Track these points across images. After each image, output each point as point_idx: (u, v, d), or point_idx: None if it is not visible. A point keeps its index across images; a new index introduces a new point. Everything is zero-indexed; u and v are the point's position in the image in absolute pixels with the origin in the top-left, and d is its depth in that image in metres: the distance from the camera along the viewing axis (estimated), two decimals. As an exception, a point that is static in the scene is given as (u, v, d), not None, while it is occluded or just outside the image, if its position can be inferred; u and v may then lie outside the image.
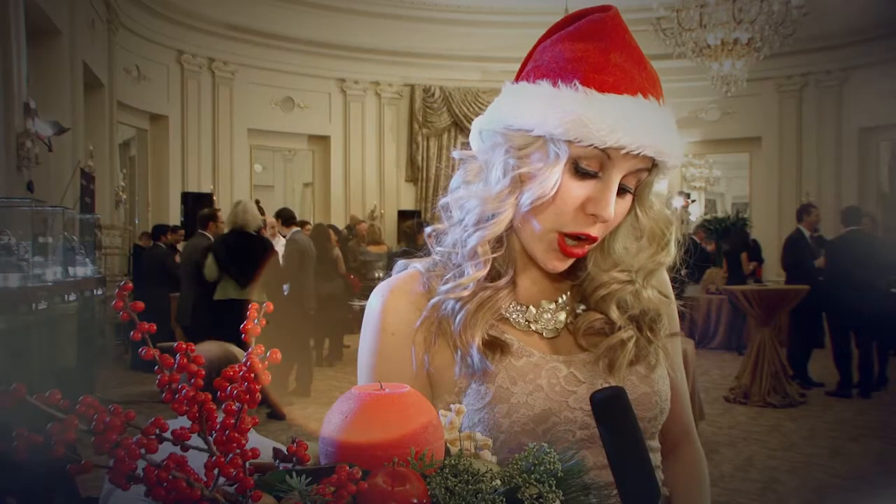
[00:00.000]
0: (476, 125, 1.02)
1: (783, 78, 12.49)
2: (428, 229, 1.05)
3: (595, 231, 0.94)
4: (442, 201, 1.04)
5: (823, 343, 8.20)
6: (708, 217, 13.71)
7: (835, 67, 12.08)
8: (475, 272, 0.97)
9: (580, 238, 0.94)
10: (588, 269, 1.01)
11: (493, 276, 0.99)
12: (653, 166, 0.95)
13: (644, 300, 1.01)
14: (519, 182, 0.95)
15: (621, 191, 0.94)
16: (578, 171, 0.92)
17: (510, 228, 0.98)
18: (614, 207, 0.92)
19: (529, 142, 0.93)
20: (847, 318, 6.98)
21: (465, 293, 0.97)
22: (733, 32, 9.13)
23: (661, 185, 1.03)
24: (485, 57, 12.65)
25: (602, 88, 0.91)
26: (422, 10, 12.80)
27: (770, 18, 9.05)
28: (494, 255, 0.98)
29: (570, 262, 0.97)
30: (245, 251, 6.12)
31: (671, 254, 1.02)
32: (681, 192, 13.39)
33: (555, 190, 0.91)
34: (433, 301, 0.99)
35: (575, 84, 0.91)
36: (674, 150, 0.94)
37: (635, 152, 0.90)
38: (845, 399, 6.82)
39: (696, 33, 9.38)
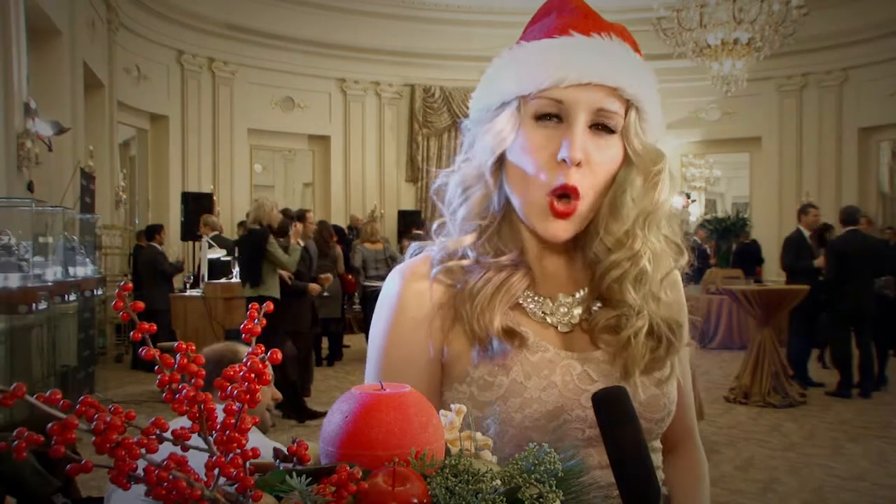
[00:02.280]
0: (464, 125, 1.06)
1: (783, 78, 12.50)
2: (435, 225, 1.06)
3: (573, 179, 0.92)
4: (434, 186, 1.05)
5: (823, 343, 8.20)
6: (708, 217, 13.72)
7: (835, 67, 12.08)
8: (463, 237, 0.99)
9: (566, 196, 0.92)
10: (600, 234, 0.97)
11: (496, 252, 0.99)
12: (629, 106, 0.95)
13: (657, 260, 0.99)
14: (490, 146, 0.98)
15: (600, 132, 0.94)
16: (539, 119, 0.94)
17: (509, 202, 0.99)
18: (582, 147, 0.91)
19: (494, 114, 0.98)
20: (847, 318, 6.98)
21: (465, 262, 0.98)
22: (733, 32, 9.13)
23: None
24: (485, 57, 12.40)
25: (532, 38, 0.97)
26: (422, 10, 12.81)
27: (770, 18, 9.05)
28: (484, 223, 0.99)
29: (568, 225, 0.95)
30: (247, 248, 6.14)
31: (664, 191, 0.99)
32: (681, 192, 13.39)
33: (512, 135, 0.95)
34: (435, 272, 0.99)
35: (510, 47, 0.99)
36: (630, 77, 0.94)
37: (575, 82, 0.91)
38: (845, 399, 6.82)
39: (697, 33, 9.38)
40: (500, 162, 0.97)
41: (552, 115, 0.93)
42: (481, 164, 0.98)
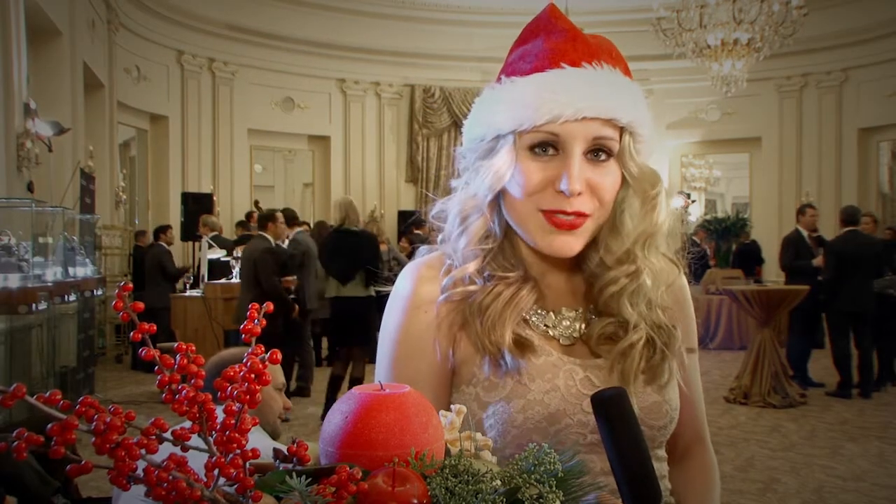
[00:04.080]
0: (459, 152, 1.06)
1: (783, 78, 12.50)
2: (440, 238, 1.07)
3: (574, 205, 0.93)
4: (432, 213, 1.07)
5: (823, 343, 8.20)
6: (708, 217, 13.71)
7: (835, 67, 12.08)
8: (467, 264, 1.00)
9: (563, 214, 0.93)
10: (600, 253, 0.99)
11: (503, 270, 1.00)
12: (623, 131, 0.96)
13: (656, 277, 1.00)
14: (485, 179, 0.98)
15: (596, 158, 0.95)
16: (536, 152, 0.94)
17: (509, 227, 1.00)
18: (580, 178, 0.92)
19: (489, 147, 0.98)
20: (846, 318, 6.98)
21: (472, 288, 0.99)
22: (733, 33, 9.13)
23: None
24: (485, 57, 12.66)
25: (524, 73, 0.96)
26: (422, 10, 12.81)
27: (770, 19, 9.05)
28: (486, 247, 1.00)
29: (575, 240, 0.96)
30: (344, 248, 6.15)
31: (662, 212, 1.01)
32: (681, 192, 13.39)
33: (509, 172, 0.95)
34: (441, 298, 1.00)
35: (501, 79, 0.98)
36: (624, 105, 0.94)
37: (572, 118, 0.91)
38: (845, 399, 6.82)
39: (697, 34, 9.38)
40: (499, 192, 0.99)
41: (548, 145, 0.94)
42: (480, 201, 0.99)
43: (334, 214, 6.34)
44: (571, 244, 0.96)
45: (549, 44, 0.98)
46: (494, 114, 0.97)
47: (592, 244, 0.99)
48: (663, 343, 1.00)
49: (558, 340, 1.00)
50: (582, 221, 0.94)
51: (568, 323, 1.02)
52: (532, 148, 0.94)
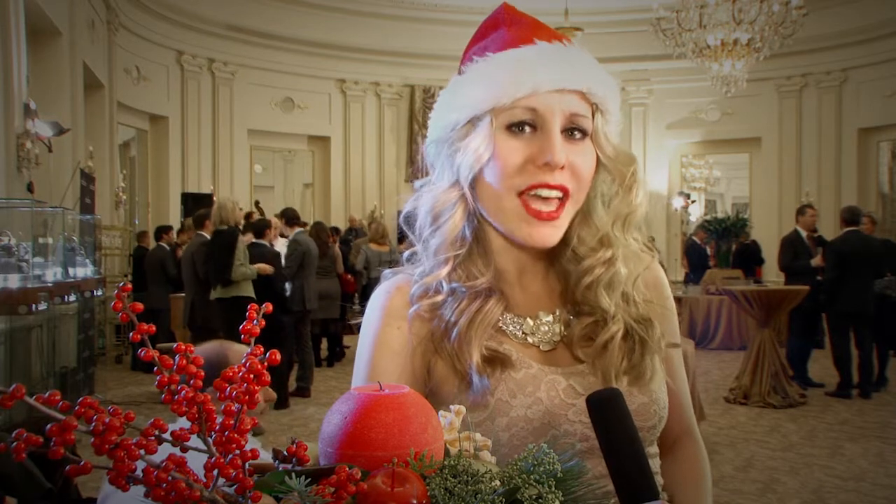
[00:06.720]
0: (425, 146, 1.04)
1: (783, 78, 12.50)
2: (406, 255, 1.05)
3: (557, 179, 0.91)
4: (401, 217, 1.03)
5: (823, 343, 8.19)
6: (708, 217, 13.71)
7: (835, 67, 12.09)
8: (438, 270, 0.97)
9: (544, 196, 0.92)
10: (572, 245, 0.98)
11: (469, 276, 0.98)
12: (595, 110, 0.95)
13: (631, 263, 0.99)
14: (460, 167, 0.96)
15: (572, 138, 0.94)
16: (513, 131, 0.93)
17: (481, 225, 0.98)
18: (563, 153, 0.91)
19: (463, 133, 0.95)
20: (847, 318, 6.98)
21: (439, 298, 0.97)
22: (733, 33, 9.13)
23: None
24: (485, 57, 12.67)
25: (496, 50, 0.95)
26: (422, 10, 12.81)
27: (770, 19, 9.04)
28: (458, 253, 0.97)
29: (553, 231, 0.94)
30: (211, 249, 6.18)
31: (638, 195, 0.99)
32: (681, 193, 13.39)
33: (489, 151, 0.92)
34: (412, 310, 0.98)
35: (472, 59, 0.96)
36: (595, 80, 0.94)
37: (550, 88, 0.91)
38: (845, 399, 6.82)
39: (696, 34, 9.38)
40: (472, 185, 0.96)
41: (525, 124, 0.93)
42: (461, 183, 0.96)
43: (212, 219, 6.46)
44: (550, 234, 0.94)
45: (514, 30, 0.97)
46: (467, 95, 0.95)
47: (564, 240, 0.97)
48: (643, 337, 0.98)
49: (538, 347, 0.98)
50: (560, 212, 0.93)
51: (546, 328, 0.99)
52: (509, 127, 0.93)
